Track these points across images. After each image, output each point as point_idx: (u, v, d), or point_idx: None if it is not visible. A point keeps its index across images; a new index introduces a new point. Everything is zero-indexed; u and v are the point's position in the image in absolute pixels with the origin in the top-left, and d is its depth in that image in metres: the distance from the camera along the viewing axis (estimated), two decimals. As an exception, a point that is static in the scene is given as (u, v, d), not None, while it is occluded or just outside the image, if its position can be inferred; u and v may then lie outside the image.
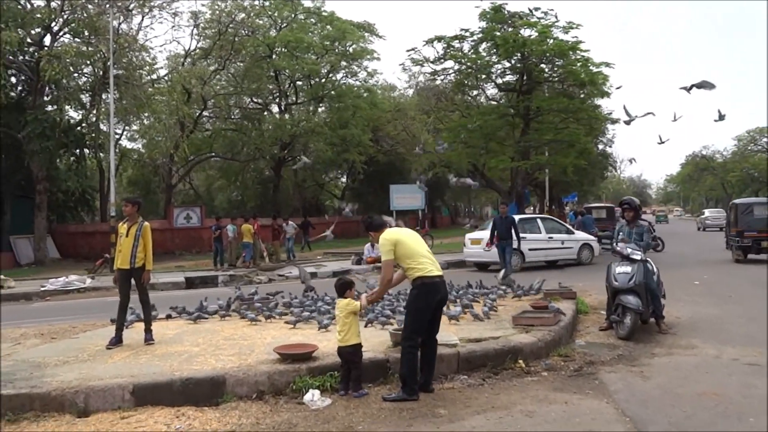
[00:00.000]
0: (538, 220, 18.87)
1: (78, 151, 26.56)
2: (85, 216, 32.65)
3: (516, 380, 6.17)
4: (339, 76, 38.88)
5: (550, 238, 18.10)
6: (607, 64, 24.41)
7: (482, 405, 5.36)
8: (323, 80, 37.00)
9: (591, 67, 24.16)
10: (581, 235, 18.93)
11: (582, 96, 27.14)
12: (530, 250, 17.59)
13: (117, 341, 7.16)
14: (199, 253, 27.86)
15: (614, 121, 37.58)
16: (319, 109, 39.27)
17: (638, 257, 8.17)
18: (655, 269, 8.60)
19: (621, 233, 8.75)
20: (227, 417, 5.14)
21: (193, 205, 32.72)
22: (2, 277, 16.40)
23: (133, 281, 7.38)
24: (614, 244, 8.67)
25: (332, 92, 37.01)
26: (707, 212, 49.18)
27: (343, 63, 37.70)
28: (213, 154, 36.58)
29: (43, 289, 15.64)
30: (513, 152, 24.91)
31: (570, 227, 19.13)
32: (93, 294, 15.56)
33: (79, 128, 24.77)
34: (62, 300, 14.86)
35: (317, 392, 5.57)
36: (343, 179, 51.60)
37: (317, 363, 5.95)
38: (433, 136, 37.12)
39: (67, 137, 23.18)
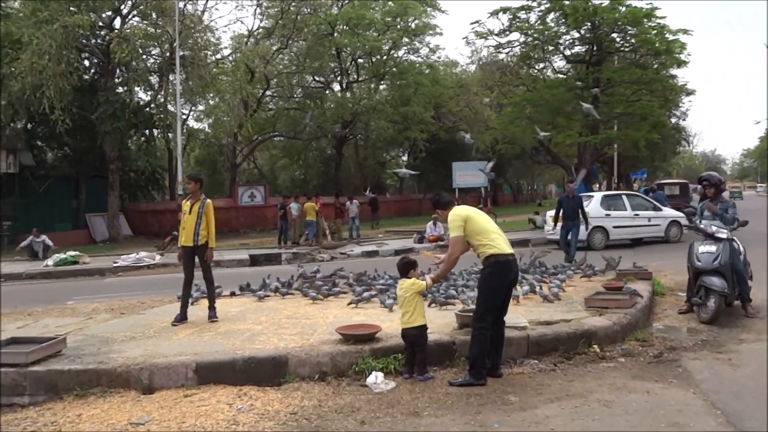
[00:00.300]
0: (624, 197, 18.18)
1: (147, 131, 27.30)
2: (155, 194, 33.65)
3: (590, 366, 5.82)
4: (401, 52, 38.42)
5: (636, 215, 17.40)
6: (685, 32, 23.01)
7: (555, 392, 5.06)
8: (385, 57, 36.64)
9: (667, 35, 22.85)
10: (669, 212, 18.06)
11: (656, 66, 25.78)
12: (615, 227, 17.00)
13: (182, 318, 7.19)
14: (263, 230, 28.27)
15: (689, 93, 35.76)
16: (381, 87, 38.99)
17: (724, 236, 7.60)
18: (741, 248, 7.99)
19: (704, 211, 8.16)
20: (289, 398, 5.03)
21: (257, 184, 33.19)
22: (78, 253, 17.01)
23: (197, 259, 7.37)
24: (697, 221, 8.08)
25: (394, 69, 36.59)
26: None
27: (405, 39, 37.18)
28: (276, 133, 36.93)
29: (115, 265, 16.13)
30: (581, 127, 23.95)
31: (657, 204, 18.26)
32: (162, 270, 15.93)
33: (147, 109, 25.39)
34: (133, 276, 15.29)
35: (380, 375, 5.39)
36: (404, 157, 51.27)
37: (380, 344, 5.77)
38: (496, 111, 36.23)
39: (137, 118, 23.79)
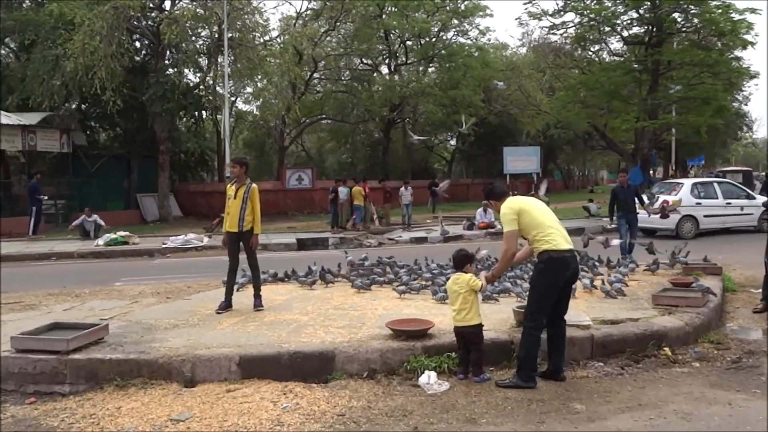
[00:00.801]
0: (715, 185, 17.37)
1: (196, 113, 27.42)
2: (204, 176, 33.96)
3: (662, 371, 5.35)
4: (450, 34, 37.54)
5: (728, 203, 16.60)
6: (753, 11, 21.67)
7: (626, 401, 4.62)
8: (434, 39, 35.87)
9: (732, 14, 21.56)
10: (762, 199, 17.12)
11: (720, 47, 24.43)
12: (705, 216, 16.27)
13: (226, 305, 6.98)
14: (310, 214, 28.18)
15: (753, 76, 33.89)
16: (429, 70, 38.26)
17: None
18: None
19: None
20: (336, 397, 4.73)
21: (305, 167, 33.10)
22: (127, 233, 17.15)
23: (242, 245, 7.13)
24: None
25: (442, 52, 35.79)
26: None
27: (454, 21, 36.33)
28: (324, 116, 36.73)
29: (163, 246, 16.19)
30: (638, 111, 22.89)
31: (751, 192, 17.39)
32: (209, 252, 15.91)
33: (196, 91, 25.45)
34: (181, 257, 15.31)
35: (434, 374, 5.05)
36: (452, 142, 50.52)
37: (433, 341, 5.41)
38: (547, 95, 35.15)
39: (186, 99, 23.85)
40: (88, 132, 26.29)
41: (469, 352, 5.13)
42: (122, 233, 17.03)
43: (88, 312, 7.42)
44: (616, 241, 11.55)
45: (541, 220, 5.00)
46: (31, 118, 20.81)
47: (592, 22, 23.81)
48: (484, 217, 19.00)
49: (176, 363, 5.09)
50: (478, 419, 4.32)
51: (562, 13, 24.13)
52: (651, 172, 24.33)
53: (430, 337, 5.48)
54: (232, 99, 30.06)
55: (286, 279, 9.03)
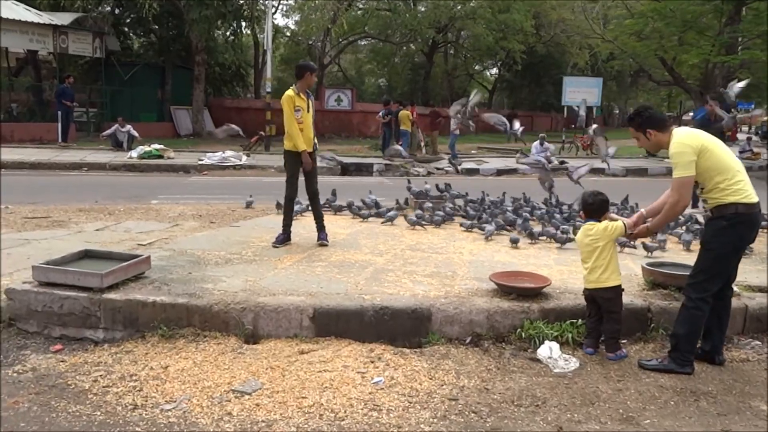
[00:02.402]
0: None
1: (235, 22, 25.78)
2: (239, 91, 32.56)
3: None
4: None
5: None
6: None
7: (825, 404, 3.51)
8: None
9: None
10: None
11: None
12: None
13: (285, 239, 5.93)
14: (348, 137, 26.92)
15: None
16: (479, -11, 35.79)
17: None
18: None
19: None
20: (439, 370, 3.69)
21: (344, 88, 31.54)
22: (162, 147, 16.16)
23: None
24: None
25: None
26: None
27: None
28: (366, 34, 34.76)
29: (200, 162, 15.19)
30: (713, 45, 20.77)
31: None
32: (249, 172, 14.89)
33: (236, -2, 23.80)
34: (218, 176, 14.31)
35: (556, 346, 3.99)
36: (494, 70, 48.12)
37: (552, 303, 4.31)
38: (599, 25, 32.58)
39: (225, 7, 22.26)
40: (121, 38, 24.95)
41: (601, 320, 4.03)
42: (157, 146, 16.04)
43: (124, 234, 6.46)
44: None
45: (728, 163, 3.74)
46: (63, 18, 19.52)
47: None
48: (540, 151, 17.59)
49: (235, 312, 4.08)
50: (637, 418, 3.25)
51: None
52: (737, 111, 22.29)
53: (546, 298, 4.38)
54: (273, 9, 28.21)
55: (344, 208, 7.94)
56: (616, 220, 4.12)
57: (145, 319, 4.07)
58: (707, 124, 9.95)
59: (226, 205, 8.93)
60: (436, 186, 8.79)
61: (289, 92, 5.81)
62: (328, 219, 7.16)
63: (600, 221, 4.02)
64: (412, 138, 18.30)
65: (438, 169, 16.75)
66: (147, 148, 15.69)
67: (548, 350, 3.96)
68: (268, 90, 19.79)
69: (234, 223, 7.22)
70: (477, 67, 45.51)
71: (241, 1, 23.62)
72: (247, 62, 31.68)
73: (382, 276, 4.87)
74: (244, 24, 26.06)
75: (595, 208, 4.05)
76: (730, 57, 19.97)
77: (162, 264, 4.99)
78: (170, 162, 15.25)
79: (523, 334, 4.12)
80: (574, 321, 4.18)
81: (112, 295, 4.13)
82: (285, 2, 32.38)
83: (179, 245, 5.83)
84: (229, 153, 15.98)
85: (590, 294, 4.03)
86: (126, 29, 26.02)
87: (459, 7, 31.59)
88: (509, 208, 7.67)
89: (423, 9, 32.46)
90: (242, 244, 5.91)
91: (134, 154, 15.50)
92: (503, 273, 4.64)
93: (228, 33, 26.87)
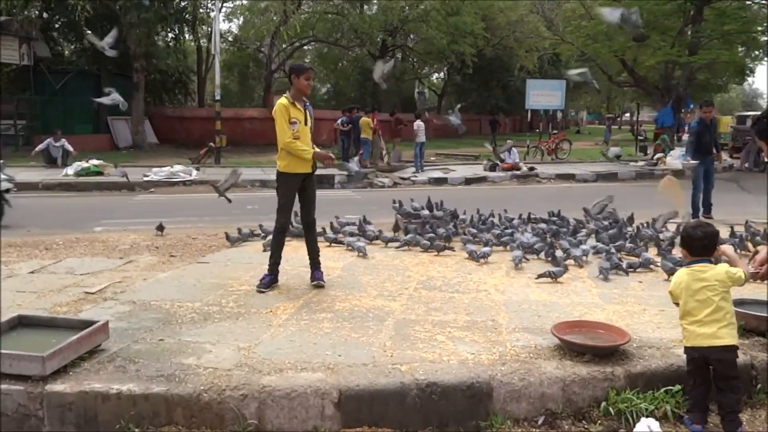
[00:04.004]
0: None
1: (177, 26, 24.26)
2: (182, 99, 30.88)
3: None
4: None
5: None
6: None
7: None
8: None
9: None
10: None
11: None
12: None
13: (272, 281, 4.85)
14: (300, 146, 25.78)
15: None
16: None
17: None
18: None
19: None
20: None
21: (294, 94, 30.31)
22: (102, 162, 14.69)
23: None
24: None
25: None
26: None
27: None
28: (314, 37, 33.64)
29: (146, 179, 13.81)
30: (672, 46, 20.40)
31: None
32: (200, 189, 13.60)
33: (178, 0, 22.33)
34: (168, 193, 13.01)
35: (656, 425, 3.08)
36: (440, 74, 47.75)
37: (638, 366, 3.40)
38: (546, 26, 32.42)
39: (166, 9, 20.80)
40: (51, 43, 23.06)
41: (709, 388, 3.16)
42: (95, 161, 14.60)
43: (66, 277, 5.25)
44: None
45: None
46: (-15, 22, 17.77)
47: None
48: (509, 157, 16.96)
49: (233, 401, 3.00)
50: None
51: None
52: (682, 113, 22.18)
53: (628, 357, 3.48)
54: (214, 13, 26.82)
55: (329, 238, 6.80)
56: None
57: (108, 416, 2.96)
58: (704, 130, 9.40)
59: (184, 232, 7.75)
60: (429, 203, 7.83)
61: (282, 101, 4.76)
62: (304, 247, 6.04)
63: (711, 260, 3.15)
64: (373, 147, 17.33)
65: (403, 179, 15.84)
66: (85, 164, 14.21)
67: (647, 429, 3.06)
68: (217, 98, 18.45)
69: (201, 258, 6.07)
70: (425, 71, 45.03)
71: (183, 3, 22.17)
72: (189, 68, 30.07)
73: (409, 331, 3.87)
74: (186, 28, 24.57)
75: (706, 244, 3.16)
76: (696, 57, 19.76)
77: (122, 327, 3.85)
78: (112, 179, 13.79)
79: (610, 409, 3.20)
80: (670, 388, 3.29)
81: (58, 386, 3.00)
82: (227, 5, 30.89)
83: (140, 294, 4.67)
84: (177, 167, 14.67)
85: (701, 355, 3.13)
86: (56, 34, 24.14)
87: (409, 9, 30.89)
88: (527, 229, 6.79)
89: (372, 12, 31.67)
90: (219, 290, 4.80)
91: (70, 171, 14.00)
92: (567, 324, 3.71)
93: (169, 38, 25.29)
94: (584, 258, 5.72)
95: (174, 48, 25.54)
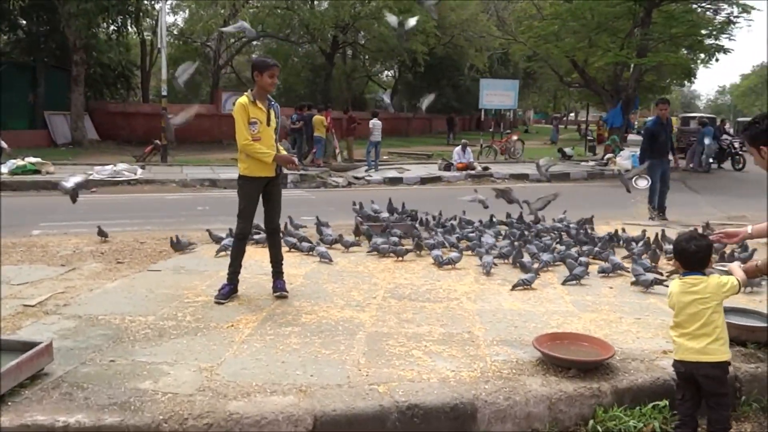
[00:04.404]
0: None
1: (120, 18, 23.28)
2: (125, 93, 29.76)
3: None
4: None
5: None
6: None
7: None
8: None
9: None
10: None
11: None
12: None
13: (231, 291, 4.54)
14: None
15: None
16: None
17: None
18: None
19: None
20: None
21: (243, 90, 29.60)
22: (39, 160, 13.91)
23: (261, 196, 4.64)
24: None
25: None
26: None
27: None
28: (263, 33, 32.99)
29: (89, 178, 13.13)
30: (622, 48, 20.71)
31: None
32: (146, 188, 13.06)
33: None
34: (111, 193, 12.39)
35: (645, 444, 2.95)
36: (389, 72, 47.66)
37: (624, 381, 3.27)
38: (496, 25, 32.74)
39: (108, 0, 19.90)
40: (-21, 34, 21.86)
41: (698, 405, 3.05)
42: (32, 159, 13.82)
43: (2, 288, 4.80)
44: (643, 183, 9.69)
45: None
46: None
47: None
48: (462, 157, 16.94)
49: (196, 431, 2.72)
50: None
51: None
52: (631, 115, 22.68)
53: (613, 372, 3.34)
54: (159, 5, 25.90)
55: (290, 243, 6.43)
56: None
57: (53, 454, 2.62)
58: (660, 130, 9.42)
59: (132, 236, 7.32)
60: (390, 205, 7.61)
61: (242, 100, 4.42)
62: (262, 252, 5.74)
63: (703, 272, 3.03)
64: (327, 145, 17.03)
65: (357, 178, 15.62)
66: (20, 162, 13.45)
67: (636, 450, 2.92)
68: (164, 93, 17.79)
69: (152, 266, 5.68)
70: (376, 69, 44.86)
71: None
72: (132, 62, 29.00)
73: (383, 346, 3.64)
74: (129, 20, 23.63)
75: (701, 257, 3.03)
76: (645, 59, 20.14)
77: (67, 346, 3.50)
78: (50, 178, 13.05)
79: (598, 428, 3.05)
80: (657, 403, 3.17)
81: (-5, 420, 2.64)
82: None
83: (86, 307, 4.29)
84: (121, 166, 14.04)
85: (690, 369, 3.01)
86: (-16, 25, 22.86)
87: (360, 6, 30.63)
88: (490, 233, 6.65)
89: (323, 7, 31.25)
90: (174, 301, 4.47)
91: (4, 169, 13.21)
92: (548, 337, 3.55)
93: (111, 30, 24.29)
94: (551, 263, 5.61)
95: (116, 41, 24.55)
